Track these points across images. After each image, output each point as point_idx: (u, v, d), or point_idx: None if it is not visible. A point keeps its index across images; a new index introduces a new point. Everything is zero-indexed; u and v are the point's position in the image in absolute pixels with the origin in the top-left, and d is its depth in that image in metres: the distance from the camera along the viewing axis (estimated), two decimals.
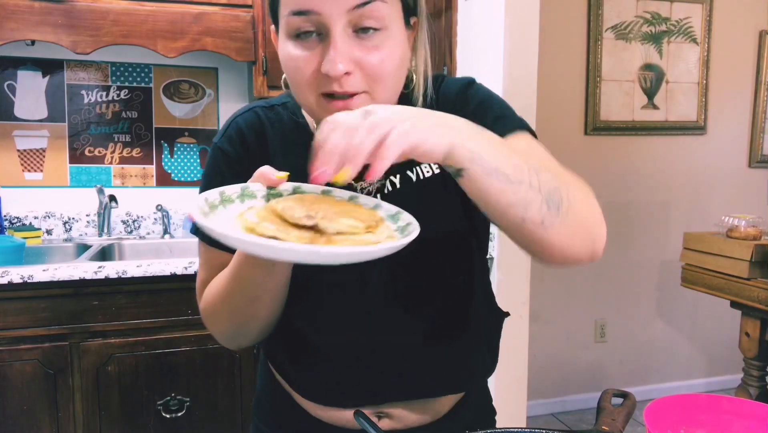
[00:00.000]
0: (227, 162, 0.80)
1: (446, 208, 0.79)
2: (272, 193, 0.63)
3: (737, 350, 2.41)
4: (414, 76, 0.79)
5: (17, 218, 2.30)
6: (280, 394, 0.88)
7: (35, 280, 1.72)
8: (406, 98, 0.79)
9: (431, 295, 0.80)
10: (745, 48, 3.26)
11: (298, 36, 0.68)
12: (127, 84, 2.39)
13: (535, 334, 2.41)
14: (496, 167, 0.58)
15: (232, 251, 0.74)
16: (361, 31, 0.67)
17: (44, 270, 1.74)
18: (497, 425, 0.92)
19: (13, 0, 1.91)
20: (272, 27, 0.75)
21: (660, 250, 3.20)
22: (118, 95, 2.39)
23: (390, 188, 0.78)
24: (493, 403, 0.97)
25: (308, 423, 0.85)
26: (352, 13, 0.66)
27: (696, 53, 3.15)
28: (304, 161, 0.77)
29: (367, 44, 0.67)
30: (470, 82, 0.82)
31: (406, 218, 0.60)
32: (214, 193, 0.60)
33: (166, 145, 2.45)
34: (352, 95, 0.68)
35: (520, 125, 0.76)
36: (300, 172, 0.78)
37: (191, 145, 2.48)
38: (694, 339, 3.35)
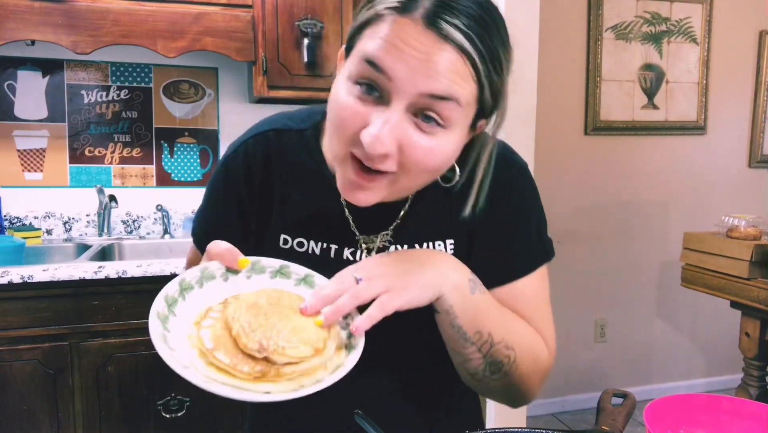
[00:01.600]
0: (227, 181, 0.81)
1: None
2: (231, 271, 0.68)
3: (737, 350, 2.40)
4: (458, 170, 0.72)
5: (17, 217, 2.30)
6: None
7: (35, 280, 1.72)
8: (438, 184, 0.73)
9: (422, 354, 0.80)
10: (745, 48, 3.25)
11: (359, 84, 0.61)
12: (127, 84, 2.39)
13: None
14: (461, 326, 0.69)
15: None
16: (422, 116, 0.61)
17: (44, 270, 1.74)
18: (497, 425, 0.92)
19: (13, 0, 1.91)
20: (342, 49, 0.68)
21: (660, 250, 3.20)
22: (118, 95, 2.38)
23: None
24: (494, 403, 0.97)
25: (291, 426, 0.86)
26: (421, 99, 0.59)
27: (696, 53, 3.15)
28: (310, 196, 0.78)
29: (422, 127, 0.61)
30: (522, 173, 0.80)
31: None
32: (173, 286, 0.64)
33: (166, 145, 2.45)
34: (376, 173, 0.63)
35: (542, 258, 0.81)
36: (301, 206, 0.78)
37: (191, 145, 2.48)
38: (694, 339, 3.35)
